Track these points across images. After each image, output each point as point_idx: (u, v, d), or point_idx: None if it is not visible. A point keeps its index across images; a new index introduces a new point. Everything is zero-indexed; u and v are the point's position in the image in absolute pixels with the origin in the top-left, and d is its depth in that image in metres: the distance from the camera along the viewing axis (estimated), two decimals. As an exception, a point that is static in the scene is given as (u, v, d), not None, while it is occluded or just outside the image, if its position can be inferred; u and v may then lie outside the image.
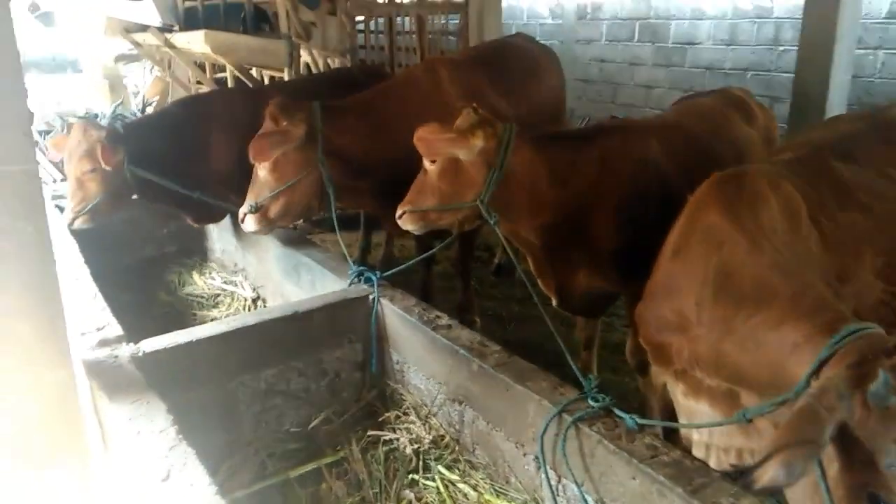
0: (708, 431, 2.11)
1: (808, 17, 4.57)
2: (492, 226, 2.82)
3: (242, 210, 3.54)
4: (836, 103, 4.59)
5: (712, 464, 2.10)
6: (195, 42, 6.52)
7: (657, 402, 2.63)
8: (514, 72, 4.46)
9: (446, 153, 2.77)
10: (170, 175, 4.10)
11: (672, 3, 7.85)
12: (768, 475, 1.43)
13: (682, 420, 2.30)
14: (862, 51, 6.00)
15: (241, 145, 4.29)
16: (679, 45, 7.85)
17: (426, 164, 2.84)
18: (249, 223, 3.54)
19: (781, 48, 6.83)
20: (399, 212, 2.93)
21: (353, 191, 3.81)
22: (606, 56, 8.81)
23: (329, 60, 7.03)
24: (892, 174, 2.42)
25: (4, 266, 2.00)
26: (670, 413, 2.46)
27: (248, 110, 4.39)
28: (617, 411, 2.24)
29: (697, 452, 2.17)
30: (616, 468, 2.12)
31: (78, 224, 4.03)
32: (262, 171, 3.51)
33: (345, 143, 3.59)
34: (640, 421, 2.16)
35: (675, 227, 2.21)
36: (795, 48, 4.80)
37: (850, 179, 2.34)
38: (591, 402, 2.32)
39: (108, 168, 3.86)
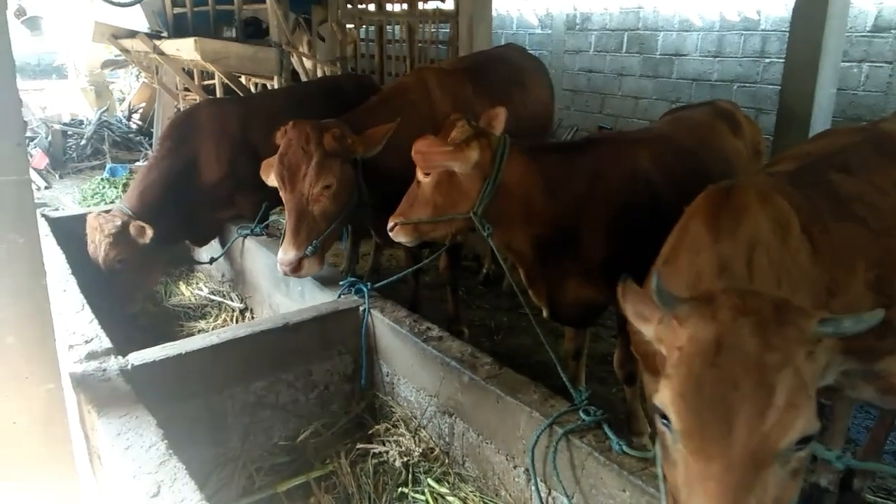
0: None
1: (795, 30, 4.62)
2: (486, 238, 2.83)
3: (296, 256, 3.22)
4: (821, 116, 4.63)
5: None
6: (184, 49, 6.51)
7: (651, 411, 2.63)
8: (501, 82, 4.48)
9: (443, 166, 2.77)
10: (183, 222, 4.38)
11: (660, 14, 7.93)
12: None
13: None
14: (847, 64, 6.09)
15: (232, 154, 4.39)
16: (666, 57, 7.92)
17: (420, 176, 2.83)
18: (311, 268, 3.31)
19: (767, 60, 6.91)
20: (391, 224, 2.89)
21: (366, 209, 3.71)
22: (595, 66, 8.87)
23: (320, 68, 7.05)
24: (886, 187, 2.45)
25: (-6, 278, 1.98)
26: None
27: (236, 120, 4.45)
28: (606, 430, 2.24)
29: None
30: (606, 480, 2.13)
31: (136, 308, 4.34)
32: (314, 205, 3.28)
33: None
34: (625, 449, 2.15)
35: (669, 237, 2.22)
36: (782, 60, 4.86)
37: (846, 191, 2.35)
38: (583, 416, 2.33)
39: (143, 242, 4.02)
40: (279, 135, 3.34)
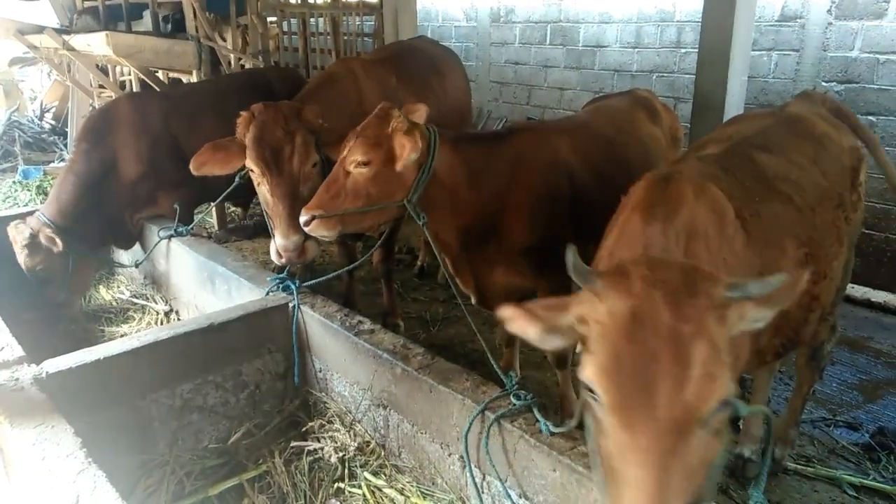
0: None
1: (706, 20, 4.79)
2: (421, 226, 2.81)
3: (301, 238, 3.10)
4: (734, 102, 4.83)
5: None
6: (96, 44, 6.21)
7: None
8: (421, 72, 4.51)
9: (398, 155, 2.69)
10: (98, 229, 4.30)
11: (581, 7, 8.09)
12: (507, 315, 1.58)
13: None
14: (757, 52, 6.37)
15: (153, 149, 4.27)
16: (589, 48, 8.09)
17: (351, 166, 2.73)
18: (313, 249, 3.22)
19: (683, 50, 7.15)
20: (304, 217, 2.73)
21: None
22: (521, 58, 8.98)
23: (243, 62, 6.88)
24: (805, 165, 2.54)
25: None
26: None
27: (157, 114, 4.33)
28: (536, 413, 2.28)
29: None
30: (537, 461, 2.17)
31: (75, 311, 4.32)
32: (305, 186, 3.19)
33: None
34: (552, 429, 2.19)
35: (609, 227, 2.22)
36: (696, 50, 5.04)
37: (772, 171, 2.43)
38: (514, 400, 2.36)
39: (56, 250, 3.96)
40: (243, 120, 3.20)
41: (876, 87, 5.68)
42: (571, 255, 1.54)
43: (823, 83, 6.03)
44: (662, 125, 3.76)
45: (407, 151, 2.67)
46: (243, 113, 3.22)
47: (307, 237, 3.04)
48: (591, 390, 1.43)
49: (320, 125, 3.27)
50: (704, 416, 1.33)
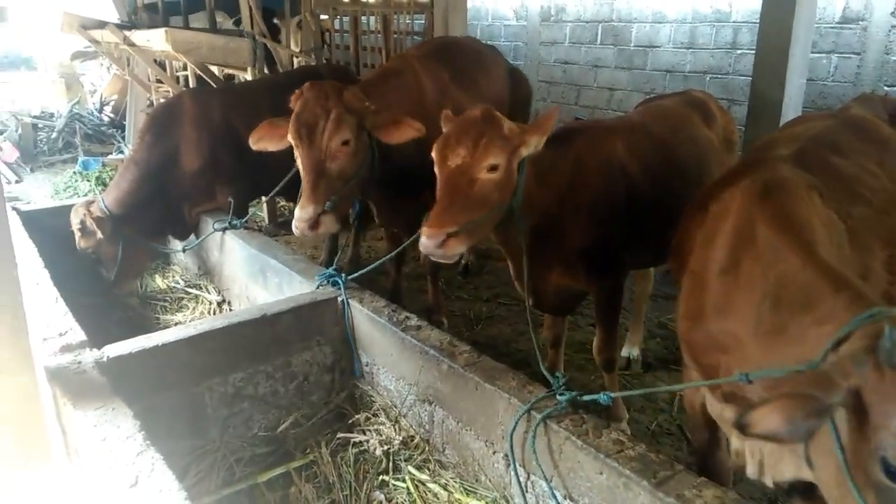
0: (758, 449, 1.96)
1: (765, 21, 4.69)
2: (520, 226, 2.77)
3: (315, 211, 3.08)
4: (792, 106, 4.71)
5: (768, 483, 1.98)
6: (155, 40, 6.40)
7: (696, 420, 2.45)
8: (468, 68, 4.50)
9: (511, 157, 2.62)
10: (154, 220, 4.47)
11: (634, 6, 7.98)
12: (766, 421, 1.44)
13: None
14: (816, 55, 6.19)
15: (213, 143, 4.41)
16: (640, 48, 7.98)
17: (481, 172, 2.55)
18: (330, 224, 3.17)
19: (739, 52, 7.00)
20: (438, 238, 2.47)
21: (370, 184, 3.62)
22: (570, 58, 8.91)
23: (295, 60, 6.99)
24: (873, 168, 2.45)
25: (-36, 271, 1.95)
26: (710, 429, 2.36)
27: (217, 110, 4.46)
28: (587, 397, 2.30)
29: (750, 471, 2.02)
30: (584, 463, 2.16)
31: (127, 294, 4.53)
32: (332, 162, 3.17)
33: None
34: (612, 395, 2.23)
35: (716, 243, 2.05)
36: (752, 52, 4.93)
37: (849, 174, 2.33)
38: (559, 398, 2.36)
39: (99, 236, 4.18)
40: (294, 97, 3.28)
41: (942, 91, 5.47)
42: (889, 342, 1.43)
43: (885, 87, 5.83)
44: (716, 127, 3.70)
45: (531, 148, 2.65)
46: (296, 91, 3.30)
47: (325, 212, 3.09)
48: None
49: (364, 107, 3.26)
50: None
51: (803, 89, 4.82)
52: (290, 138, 3.24)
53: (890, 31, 5.78)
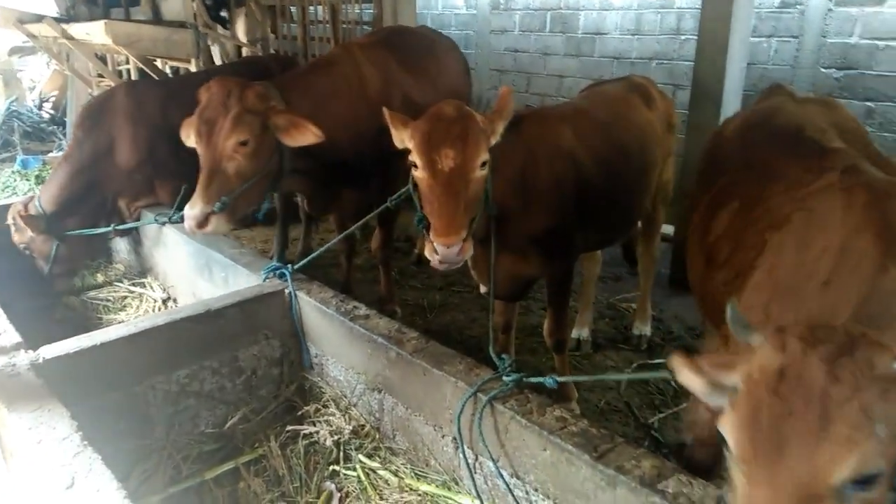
0: None
1: (706, 7, 4.76)
2: (491, 212, 2.75)
3: (202, 210, 3.05)
4: (733, 89, 4.80)
5: None
6: (95, 33, 6.21)
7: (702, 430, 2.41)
8: (418, 56, 4.47)
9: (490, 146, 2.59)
10: (88, 216, 4.36)
11: (581, -7, 8.05)
12: (684, 373, 1.49)
13: None
14: (756, 39, 6.34)
15: (150, 138, 4.30)
16: (588, 36, 8.05)
17: (475, 171, 2.52)
18: (218, 225, 3.11)
19: (683, 37, 7.11)
20: (458, 245, 2.43)
21: (293, 176, 3.57)
22: (520, 46, 8.93)
23: (244, 51, 6.87)
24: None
25: None
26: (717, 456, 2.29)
27: (154, 103, 4.35)
28: (532, 379, 2.32)
29: None
30: (528, 441, 2.19)
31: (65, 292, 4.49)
32: (228, 162, 3.12)
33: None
34: (559, 379, 2.26)
35: (816, 252, 1.89)
36: (696, 37, 5.01)
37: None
38: (506, 380, 2.38)
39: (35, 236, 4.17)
40: (202, 91, 3.23)
41: (875, 73, 5.65)
42: (731, 309, 1.47)
43: (823, 69, 6.00)
44: (657, 111, 3.76)
45: (498, 136, 2.64)
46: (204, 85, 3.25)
47: (214, 212, 3.06)
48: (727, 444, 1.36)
49: (267, 107, 3.20)
50: (838, 487, 1.20)
51: (744, 73, 4.92)
52: (192, 134, 3.20)
53: (826, 14, 5.94)
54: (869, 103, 5.66)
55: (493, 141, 2.64)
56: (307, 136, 3.17)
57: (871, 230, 1.79)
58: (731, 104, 4.68)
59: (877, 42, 5.61)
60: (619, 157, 3.34)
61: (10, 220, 4.17)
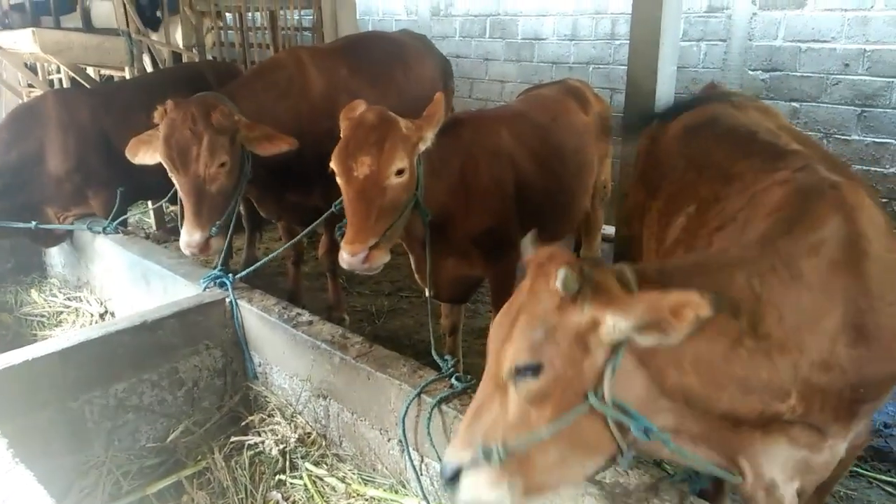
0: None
1: (636, 12, 4.90)
2: (425, 222, 2.77)
3: (202, 236, 3.13)
4: (665, 91, 4.94)
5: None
6: (22, 41, 5.98)
7: None
8: (382, 62, 4.44)
9: (412, 156, 2.60)
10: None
11: (519, 0, 8.18)
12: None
13: None
14: (686, 43, 6.57)
15: (80, 146, 4.16)
16: (527, 41, 8.18)
17: (392, 178, 2.52)
18: (217, 245, 3.24)
19: (618, 42, 7.30)
20: (363, 253, 2.47)
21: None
22: (461, 52, 9.01)
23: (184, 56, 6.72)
24: None
25: None
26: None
27: (85, 111, 4.22)
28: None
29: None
30: (472, 442, 2.21)
31: None
32: (211, 185, 3.17)
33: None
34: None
35: (835, 268, 1.74)
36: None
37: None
38: (455, 382, 2.41)
39: None
40: (158, 115, 3.21)
41: (798, 74, 5.92)
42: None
43: (750, 71, 6.26)
44: (592, 113, 3.87)
45: (427, 142, 2.65)
46: (159, 107, 3.21)
47: (212, 235, 3.17)
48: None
49: (234, 122, 3.23)
50: (507, 373, 1.56)
51: (675, 76, 5.08)
52: (161, 160, 3.20)
53: (752, 18, 6.20)
54: (794, 103, 5.93)
55: (423, 147, 2.65)
56: (281, 145, 3.25)
57: (787, 188, 1.92)
58: (662, 106, 4.82)
59: (799, 44, 5.88)
60: (555, 157, 3.41)
61: None
